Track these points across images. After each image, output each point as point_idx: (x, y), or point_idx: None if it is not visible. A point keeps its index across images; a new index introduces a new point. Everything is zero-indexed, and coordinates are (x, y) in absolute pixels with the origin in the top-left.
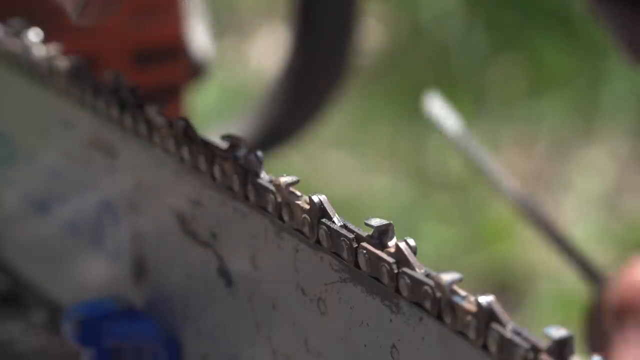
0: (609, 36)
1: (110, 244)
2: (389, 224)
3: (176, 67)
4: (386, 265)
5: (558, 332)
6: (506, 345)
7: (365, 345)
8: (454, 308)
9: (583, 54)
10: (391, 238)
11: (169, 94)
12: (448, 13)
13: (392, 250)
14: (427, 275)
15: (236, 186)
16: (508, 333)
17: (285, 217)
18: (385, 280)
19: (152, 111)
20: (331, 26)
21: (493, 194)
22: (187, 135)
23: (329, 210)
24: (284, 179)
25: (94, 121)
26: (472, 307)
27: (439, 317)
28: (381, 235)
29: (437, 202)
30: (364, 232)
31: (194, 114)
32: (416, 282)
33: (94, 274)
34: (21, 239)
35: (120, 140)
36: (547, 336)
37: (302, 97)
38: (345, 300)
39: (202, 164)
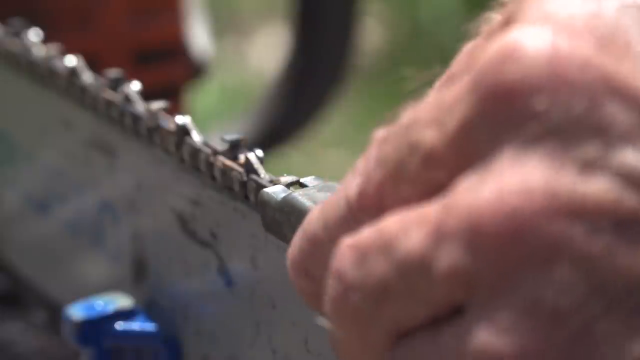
0: None
1: (110, 244)
2: None
3: (176, 67)
4: None
5: None
6: None
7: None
8: None
9: None
10: None
11: (169, 94)
12: (447, 13)
13: None
14: None
15: (236, 186)
16: None
17: None
18: None
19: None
20: (331, 26)
21: None
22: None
23: None
24: (284, 179)
25: (94, 121)
26: None
27: None
28: None
29: None
30: None
31: (194, 114)
32: None
33: (94, 274)
34: (21, 239)
35: (120, 140)
36: None
37: (302, 97)
38: None
39: (202, 163)
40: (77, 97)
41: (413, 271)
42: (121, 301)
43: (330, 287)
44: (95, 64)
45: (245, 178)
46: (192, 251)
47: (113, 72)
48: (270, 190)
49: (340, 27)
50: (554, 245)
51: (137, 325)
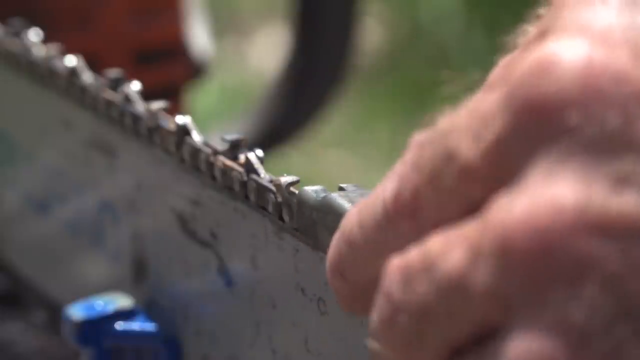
0: None
1: (110, 244)
2: None
3: (176, 67)
4: None
5: None
6: None
7: (365, 346)
8: None
9: None
10: None
11: (169, 94)
12: (447, 13)
13: None
14: None
15: (236, 186)
16: None
17: (286, 217)
18: None
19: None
20: (331, 26)
21: None
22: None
23: None
24: (284, 179)
25: (94, 121)
26: None
27: None
28: None
29: None
30: None
31: (194, 113)
32: None
33: (94, 274)
34: (21, 239)
35: (120, 140)
36: None
37: (302, 97)
38: None
39: (202, 163)
40: (77, 97)
41: (452, 292)
42: (121, 301)
43: (379, 308)
44: (95, 64)
45: (245, 178)
46: (192, 251)
47: (113, 72)
48: (310, 189)
49: (340, 27)
50: (583, 264)
51: (137, 325)
